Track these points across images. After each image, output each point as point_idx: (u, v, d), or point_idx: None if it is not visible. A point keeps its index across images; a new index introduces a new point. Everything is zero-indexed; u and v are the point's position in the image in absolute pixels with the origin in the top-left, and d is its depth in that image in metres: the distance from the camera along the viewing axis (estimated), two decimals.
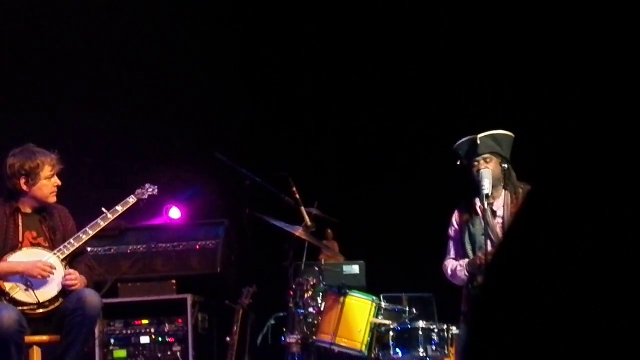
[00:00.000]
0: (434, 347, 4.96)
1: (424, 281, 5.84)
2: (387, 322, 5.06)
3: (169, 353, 6.30)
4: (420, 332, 4.97)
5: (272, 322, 5.97)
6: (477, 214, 5.12)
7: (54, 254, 4.92)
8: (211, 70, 7.64)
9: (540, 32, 6.75)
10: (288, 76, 7.75)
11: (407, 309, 5.18)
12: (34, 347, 4.85)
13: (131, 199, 5.31)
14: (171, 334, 6.32)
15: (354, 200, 7.22)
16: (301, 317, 5.18)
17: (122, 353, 6.32)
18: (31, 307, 4.81)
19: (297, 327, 5.18)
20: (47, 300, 4.83)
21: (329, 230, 6.59)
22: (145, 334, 6.34)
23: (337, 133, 7.68)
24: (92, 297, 4.82)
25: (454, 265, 5.22)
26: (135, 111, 7.43)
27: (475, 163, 5.07)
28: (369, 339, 5.01)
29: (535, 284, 0.94)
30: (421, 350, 4.94)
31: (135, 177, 6.22)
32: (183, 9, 7.68)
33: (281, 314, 5.72)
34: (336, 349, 5.01)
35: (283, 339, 5.23)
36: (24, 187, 4.95)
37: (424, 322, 5.03)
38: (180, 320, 6.30)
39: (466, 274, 5.14)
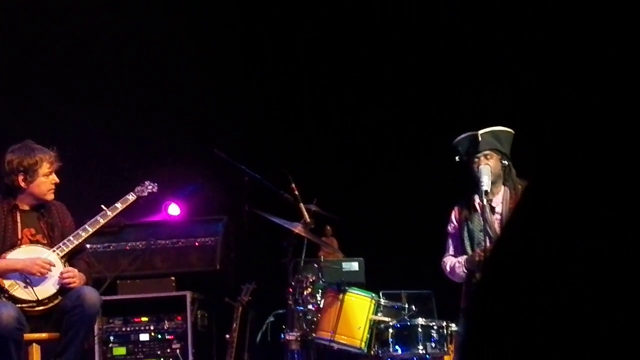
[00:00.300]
0: (433, 345, 4.96)
1: (423, 278, 5.84)
2: (386, 319, 5.06)
3: (168, 350, 6.29)
4: (419, 330, 4.96)
5: (272, 319, 5.98)
6: (476, 210, 5.12)
7: (54, 251, 4.92)
8: (210, 66, 7.64)
9: (539, 32, 6.74)
10: (287, 72, 7.75)
11: (407, 306, 5.17)
12: (33, 344, 4.84)
13: (131, 197, 5.30)
14: (171, 331, 6.32)
15: (354, 197, 7.22)
16: (300, 314, 5.18)
17: (121, 350, 6.32)
18: (30, 304, 4.80)
19: (296, 324, 5.18)
20: (46, 298, 4.83)
21: (329, 227, 6.59)
22: (144, 331, 6.34)
23: (337, 130, 7.67)
24: (92, 295, 4.81)
25: (453, 262, 5.22)
26: (134, 108, 7.42)
27: (476, 160, 5.06)
28: (368, 336, 5.00)
29: (533, 280, 0.94)
30: (421, 347, 4.94)
31: (134, 174, 6.22)
32: (182, 7, 7.67)
33: (280, 311, 5.72)
34: (335, 346, 5.01)
35: (282, 336, 5.23)
36: (22, 184, 4.94)
37: (424, 319, 5.03)
38: (179, 318, 6.30)
39: (465, 270, 5.14)
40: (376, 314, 5.07)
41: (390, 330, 5.00)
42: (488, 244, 4.86)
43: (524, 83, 6.88)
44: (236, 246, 6.81)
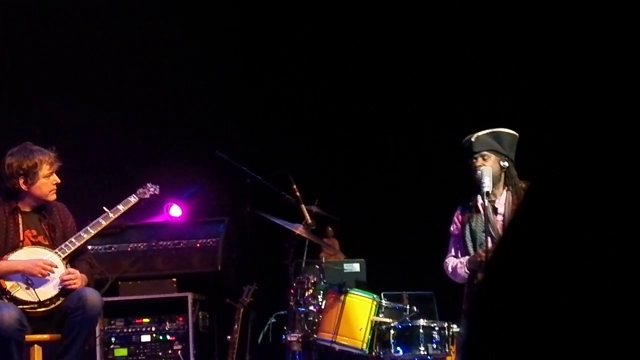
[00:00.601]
0: (435, 346, 4.95)
1: (425, 279, 5.84)
2: (388, 320, 5.05)
3: (169, 352, 6.29)
4: (421, 331, 4.96)
5: (273, 320, 5.97)
6: (478, 211, 5.12)
7: (55, 252, 4.92)
8: (212, 68, 7.64)
9: (540, 32, 6.74)
10: (289, 74, 7.75)
11: (408, 307, 5.17)
12: (35, 346, 4.84)
13: (133, 199, 5.30)
14: (172, 332, 6.32)
15: (355, 198, 7.22)
16: (302, 316, 5.18)
17: (123, 352, 6.32)
18: (32, 306, 4.80)
19: (297, 325, 5.18)
20: (47, 299, 4.83)
21: (330, 228, 6.59)
22: (146, 332, 6.34)
23: (338, 131, 7.67)
24: (93, 296, 4.81)
25: (455, 263, 5.22)
26: (136, 109, 7.42)
27: (473, 160, 5.07)
28: (369, 337, 5.00)
29: (535, 281, 0.94)
30: (422, 348, 4.94)
31: (136, 175, 6.22)
32: (183, 7, 7.67)
33: (282, 313, 5.72)
34: (337, 347, 5.01)
35: (284, 337, 5.23)
36: (23, 187, 4.93)
37: (425, 321, 5.02)
38: (181, 319, 6.30)
39: (467, 271, 5.13)
40: (377, 315, 5.07)
41: (392, 332, 4.99)
42: (490, 244, 4.86)
43: (525, 84, 6.88)
44: (237, 247, 6.81)
